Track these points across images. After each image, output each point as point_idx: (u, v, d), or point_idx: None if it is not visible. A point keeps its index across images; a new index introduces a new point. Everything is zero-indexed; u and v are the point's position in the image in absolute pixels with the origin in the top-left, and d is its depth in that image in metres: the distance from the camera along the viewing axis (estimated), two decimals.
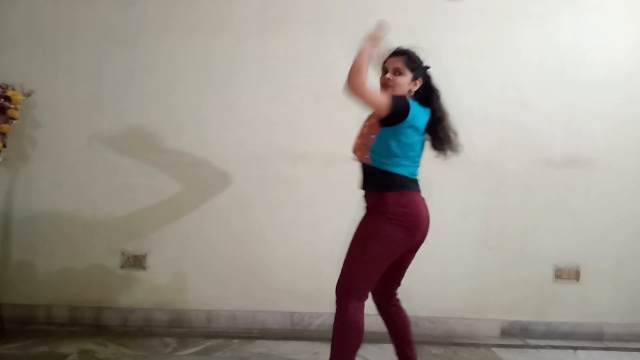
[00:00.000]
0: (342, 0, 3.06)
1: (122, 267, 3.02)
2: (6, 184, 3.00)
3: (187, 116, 3.03)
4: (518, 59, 3.07)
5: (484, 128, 3.03)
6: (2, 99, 2.74)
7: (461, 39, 3.06)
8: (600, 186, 3.07)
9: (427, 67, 2.06)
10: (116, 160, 3.02)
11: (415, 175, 1.97)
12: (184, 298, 3.03)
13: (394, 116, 1.85)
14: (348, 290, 1.87)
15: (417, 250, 2.02)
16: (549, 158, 3.07)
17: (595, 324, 3.06)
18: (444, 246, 2.99)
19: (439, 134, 2.00)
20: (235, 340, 2.78)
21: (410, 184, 1.93)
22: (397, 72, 1.96)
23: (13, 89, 2.81)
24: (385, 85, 1.98)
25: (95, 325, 2.97)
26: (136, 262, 3.02)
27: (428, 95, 2.02)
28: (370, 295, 1.99)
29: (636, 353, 2.86)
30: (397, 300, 2.12)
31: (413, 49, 2.03)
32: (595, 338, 3.04)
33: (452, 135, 2.03)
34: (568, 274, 3.08)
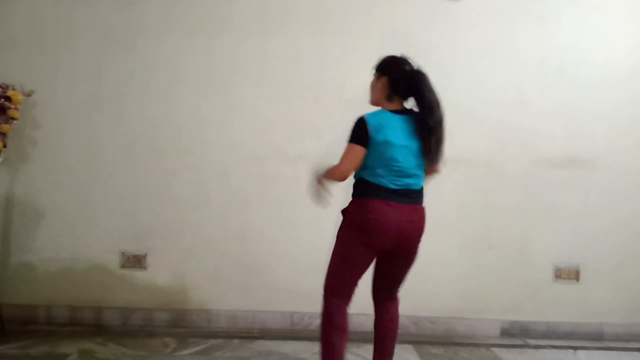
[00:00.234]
0: (342, 0, 3.06)
1: (122, 267, 3.02)
2: (6, 184, 3.00)
3: (187, 116, 3.04)
4: (518, 59, 3.07)
5: (484, 128, 3.03)
6: (3, 99, 2.74)
7: (461, 39, 3.06)
8: (600, 186, 3.07)
9: (404, 68, 2.01)
10: (116, 160, 3.02)
11: (397, 183, 1.93)
12: (184, 298, 3.03)
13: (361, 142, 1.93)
14: (327, 288, 2.01)
15: (399, 258, 2.02)
16: (549, 158, 3.07)
17: (595, 324, 3.07)
18: (444, 246, 2.99)
19: (431, 145, 1.93)
20: (235, 340, 2.78)
21: (378, 192, 1.93)
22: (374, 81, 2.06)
23: (13, 89, 2.82)
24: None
25: (95, 325, 2.98)
26: (136, 262, 3.02)
27: (415, 98, 1.98)
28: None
29: (636, 353, 2.86)
30: (388, 306, 2.11)
31: (390, 55, 2.05)
32: (595, 338, 3.04)
33: (442, 148, 1.97)
34: (568, 274, 3.08)
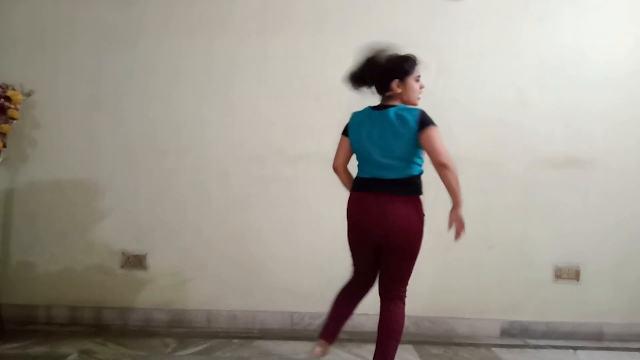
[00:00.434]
0: (342, 0, 3.06)
1: (122, 267, 3.02)
2: (6, 184, 3.00)
3: (187, 116, 3.03)
4: (518, 59, 3.07)
5: (484, 128, 3.03)
6: (2, 99, 2.74)
7: (461, 39, 3.06)
8: (600, 186, 3.07)
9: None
10: (116, 161, 3.02)
11: (363, 173, 2.11)
12: (184, 298, 3.03)
13: None
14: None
15: (385, 253, 2.08)
16: (549, 158, 3.07)
17: (595, 324, 3.06)
18: (444, 246, 2.99)
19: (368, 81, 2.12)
20: (235, 340, 2.78)
21: (355, 184, 2.15)
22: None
23: (13, 89, 2.82)
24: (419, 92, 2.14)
25: (95, 325, 2.98)
26: (136, 262, 3.02)
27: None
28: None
29: (636, 353, 2.86)
30: (385, 305, 2.12)
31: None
32: (595, 338, 3.04)
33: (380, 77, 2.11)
34: (568, 274, 3.08)
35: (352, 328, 2.90)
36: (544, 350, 2.83)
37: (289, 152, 3.03)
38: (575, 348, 2.88)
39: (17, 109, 2.79)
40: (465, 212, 3.04)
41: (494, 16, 3.07)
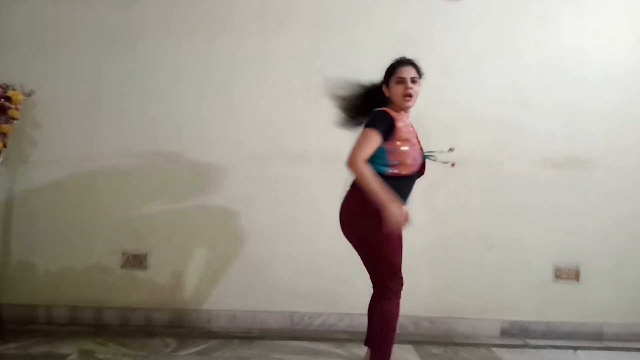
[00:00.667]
0: (342, 0, 3.06)
1: (122, 267, 3.02)
2: (6, 184, 3.00)
3: (187, 116, 3.03)
4: (518, 59, 3.07)
5: (484, 128, 3.03)
6: (3, 99, 2.74)
7: (461, 39, 3.06)
8: (600, 186, 3.07)
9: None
10: (116, 161, 3.02)
11: None
12: (184, 298, 3.03)
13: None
14: None
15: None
16: (549, 158, 3.07)
17: (595, 324, 3.06)
18: (444, 246, 2.99)
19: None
20: (235, 340, 2.78)
21: None
22: (414, 81, 2.07)
23: (13, 89, 2.82)
24: (407, 95, 2.05)
25: (95, 325, 2.98)
26: (136, 262, 3.02)
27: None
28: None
29: (636, 353, 2.86)
30: (373, 299, 2.17)
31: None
32: (595, 338, 3.04)
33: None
34: (568, 274, 3.08)
35: (352, 328, 2.91)
36: (544, 350, 2.83)
37: (289, 152, 3.03)
38: (575, 348, 2.88)
39: (17, 109, 2.79)
40: (465, 212, 3.07)
41: (494, 16, 3.07)
